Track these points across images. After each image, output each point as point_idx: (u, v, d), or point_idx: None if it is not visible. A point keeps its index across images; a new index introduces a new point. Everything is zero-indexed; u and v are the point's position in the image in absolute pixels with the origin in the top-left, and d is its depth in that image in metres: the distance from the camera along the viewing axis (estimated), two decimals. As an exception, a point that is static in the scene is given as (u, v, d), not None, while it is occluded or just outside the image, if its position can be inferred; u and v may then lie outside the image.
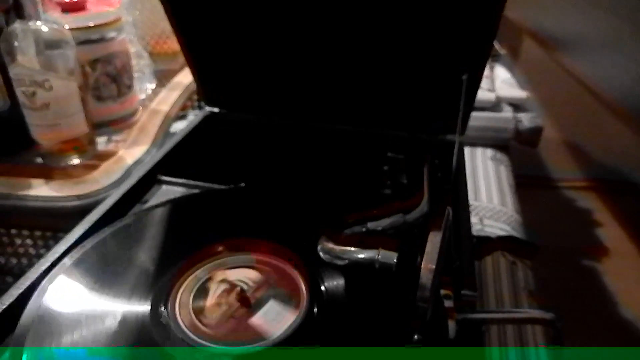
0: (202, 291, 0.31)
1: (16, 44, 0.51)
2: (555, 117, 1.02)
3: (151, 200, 0.42)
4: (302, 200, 0.40)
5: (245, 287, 0.31)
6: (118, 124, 0.66)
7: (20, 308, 0.28)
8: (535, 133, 0.68)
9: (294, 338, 0.28)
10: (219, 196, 0.43)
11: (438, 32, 0.43)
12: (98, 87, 0.63)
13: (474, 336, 0.28)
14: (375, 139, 0.50)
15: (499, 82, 0.74)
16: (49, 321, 0.28)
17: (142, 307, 0.30)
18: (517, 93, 0.72)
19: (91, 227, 0.36)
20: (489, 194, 0.60)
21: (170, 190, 0.44)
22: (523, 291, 0.46)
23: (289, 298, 0.30)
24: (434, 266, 0.26)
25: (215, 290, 0.31)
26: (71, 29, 0.57)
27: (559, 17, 0.82)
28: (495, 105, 0.69)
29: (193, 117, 0.63)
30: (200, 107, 0.70)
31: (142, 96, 0.72)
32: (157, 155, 0.46)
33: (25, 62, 0.52)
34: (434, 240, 0.27)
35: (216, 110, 0.55)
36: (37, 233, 0.55)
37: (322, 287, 0.31)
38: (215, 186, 0.44)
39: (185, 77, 0.78)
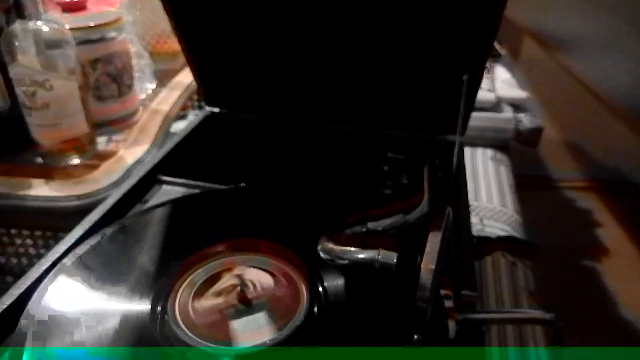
0: (214, 278, 0.32)
1: (16, 43, 0.51)
2: (555, 117, 1.02)
3: (151, 200, 0.42)
4: (302, 200, 0.40)
5: (249, 289, 0.31)
6: (118, 124, 0.66)
7: (20, 308, 0.28)
8: (535, 133, 0.68)
9: (294, 338, 0.28)
10: (219, 196, 0.43)
11: (438, 33, 0.43)
12: (98, 87, 0.63)
13: (474, 336, 0.28)
14: (376, 139, 0.50)
15: (499, 82, 0.74)
16: (49, 321, 0.28)
17: (142, 307, 0.30)
18: (517, 93, 0.72)
19: (91, 227, 0.36)
20: (489, 194, 0.60)
21: (170, 190, 0.44)
22: (523, 291, 0.46)
23: (279, 317, 0.29)
24: (434, 266, 0.26)
25: (225, 280, 0.31)
26: (71, 29, 0.57)
27: (559, 17, 0.82)
28: (495, 106, 0.69)
29: (193, 117, 0.63)
30: (200, 107, 0.70)
31: (143, 96, 0.72)
32: (158, 155, 0.46)
33: (26, 62, 0.52)
34: (434, 241, 0.27)
35: (216, 110, 0.55)
36: (38, 233, 0.55)
37: (322, 287, 0.31)
38: (216, 186, 0.44)
39: (185, 77, 0.78)
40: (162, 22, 0.76)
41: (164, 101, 0.72)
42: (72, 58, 0.55)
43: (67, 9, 0.62)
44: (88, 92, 0.61)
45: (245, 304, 0.30)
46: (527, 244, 0.52)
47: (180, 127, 0.69)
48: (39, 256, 0.54)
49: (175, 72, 0.80)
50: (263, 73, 0.52)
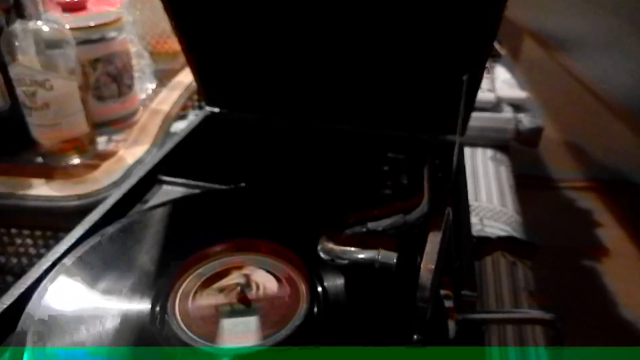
0: (215, 277, 0.32)
1: (17, 43, 0.52)
2: (555, 117, 1.02)
3: (152, 200, 0.42)
4: (302, 200, 0.40)
5: (251, 290, 0.31)
6: (118, 124, 0.66)
7: (20, 308, 0.28)
8: (535, 133, 0.68)
9: (294, 338, 0.28)
10: (219, 196, 0.43)
11: (438, 33, 0.43)
12: (99, 87, 0.63)
13: (474, 336, 0.28)
14: (376, 139, 0.50)
15: (499, 82, 0.74)
16: (49, 321, 0.28)
17: (142, 307, 0.30)
18: (517, 93, 0.72)
19: (92, 227, 0.36)
20: (489, 194, 0.60)
21: (170, 190, 0.44)
22: (523, 291, 0.46)
23: (273, 324, 0.29)
24: (433, 266, 0.26)
25: (228, 279, 0.32)
26: (72, 29, 0.57)
27: (560, 17, 0.82)
28: (495, 106, 0.69)
29: (193, 117, 0.63)
30: (200, 107, 0.70)
31: (143, 96, 0.72)
32: (158, 155, 0.46)
33: (26, 62, 0.52)
34: (433, 241, 0.27)
35: (217, 110, 0.55)
36: (38, 233, 0.55)
37: (322, 287, 0.31)
38: (216, 186, 0.44)
39: (185, 77, 0.78)
40: (162, 22, 0.76)
41: (164, 101, 0.72)
42: (72, 58, 0.55)
43: (67, 9, 0.62)
44: (88, 92, 0.61)
45: (245, 304, 0.30)
46: (527, 244, 0.52)
47: (180, 127, 0.69)
48: (39, 256, 0.54)
49: (175, 72, 0.80)
50: (263, 73, 0.52)
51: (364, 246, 0.31)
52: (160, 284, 0.31)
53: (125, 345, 0.27)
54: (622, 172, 1.06)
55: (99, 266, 0.32)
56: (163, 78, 0.78)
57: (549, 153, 1.08)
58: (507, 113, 0.69)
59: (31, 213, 0.53)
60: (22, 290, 0.30)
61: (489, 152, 0.69)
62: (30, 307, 0.29)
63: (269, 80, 0.52)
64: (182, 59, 0.59)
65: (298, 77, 0.51)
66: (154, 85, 0.76)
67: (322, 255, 0.32)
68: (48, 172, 0.56)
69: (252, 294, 0.31)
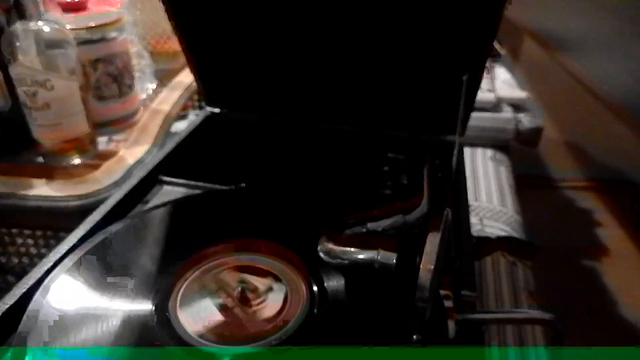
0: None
1: (17, 43, 0.52)
2: (555, 117, 1.02)
3: (152, 200, 0.42)
4: (302, 201, 0.40)
5: (251, 292, 0.31)
6: (119, 124, 0.66)
7: (22, 308, 0.29)
8: (535, 133, 0.68)
9: (294, 338, 0.28)
10: (219, 197, 0.43)
11: (438, 33, 0.43)
12: (99, 87, 0.63)
13: (474, 336, 0.28)
14: (376, 139, 0.50)
15: (499, 82, 0.74)
16: (51, 321, 0.28)
17: (144, 307, 0.30)
18: (517, 93, 0.72)
19: (93, 227, 0.36)
20: (489, 194, 0.60)
21: (171, 190, 0.44)
22: (523, 291, 0.46)
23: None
24: (432, 266, 0.26)
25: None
26: (72, 29, 0.57)
27: (560, 17, 0.82)
28: (495, 106, 0.69)
29: (194, 117, 0.63)
30: (201, 107, 0.70)
31: (143, 96, 0.72)
32: (159, 155, 0.46)
33: (27, 62, 0.52)
34: (433, 241, 0.27)
35: (217, 110, 0.55)
36: (39, 233, 0.55)
37: (322, 288, 0.31)
38: (216, 187, 0.44)
39: (186, 77, 0.78)
40: (163, 22, 0.76)
41: (164, 101, 0.72)
42: (72, 58, 0.55)
43: (68, 9, 0.62)
44: (89, 92, 0.61)
45: (245, 305, 0.30)
46: (527, 244, 0.52)
47: (180, 127, 0.69)
48: (40, 256, 0.54)
49: (175, 72, 0.80)
50: (263, 73, 0.52)
51: (363, 246, 0.31)
52: (161, 283, 0.31)
53: (127, 345, 0.27)
54: (622, 172, 1.06)
55: (100, 266, 0.32)
56: (163, 78, 0.78)
57: (549, 153, 1.07)
58: (507, 113, 0.69)
59: (32, 213, 0.53)
60: (24, 290, 0.30)
61: (489, 152, 0.69)
62: (32, 307, 0.29)
63: (269, 80, 0.52)
64: (182, 59, 0.59)
65: (298, 77, 0.51)
66: (154, 85, 0.76)
67: (322, 255, 0.32)
68: (49, 172, 0.56)
69: (252, 294, 0.31)
